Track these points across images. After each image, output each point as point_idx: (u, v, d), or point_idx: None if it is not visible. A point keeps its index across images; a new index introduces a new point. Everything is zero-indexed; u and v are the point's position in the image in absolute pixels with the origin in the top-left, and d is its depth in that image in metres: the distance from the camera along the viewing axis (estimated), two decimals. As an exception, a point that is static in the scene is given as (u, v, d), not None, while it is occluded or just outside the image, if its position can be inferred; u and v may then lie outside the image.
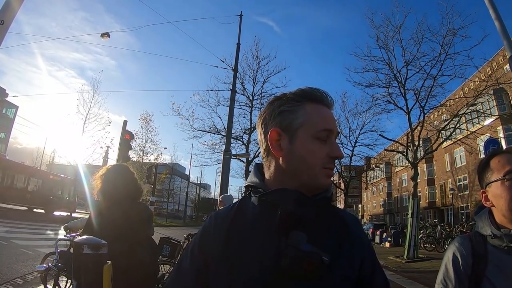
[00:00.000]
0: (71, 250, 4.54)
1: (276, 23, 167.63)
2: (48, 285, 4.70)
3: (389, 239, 25.38)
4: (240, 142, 21.32)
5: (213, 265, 0.91)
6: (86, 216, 5.01)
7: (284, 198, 0.89)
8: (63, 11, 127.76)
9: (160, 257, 5.68)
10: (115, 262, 1.39)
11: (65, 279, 4.43)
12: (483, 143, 9.60)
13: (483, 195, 1.37)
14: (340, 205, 37.00)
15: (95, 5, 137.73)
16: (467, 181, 32.16)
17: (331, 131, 0.95)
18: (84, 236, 1.31)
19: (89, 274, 1.23)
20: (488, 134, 17.91)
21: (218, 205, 6.71)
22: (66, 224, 4.87)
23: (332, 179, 1.06)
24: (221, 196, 6.66)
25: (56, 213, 25.17)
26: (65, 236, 4.71)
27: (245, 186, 1.05)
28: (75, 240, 1.28)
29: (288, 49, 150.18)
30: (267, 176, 1.00)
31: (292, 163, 0.93)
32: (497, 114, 23.66)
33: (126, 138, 10.63)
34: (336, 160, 0.99)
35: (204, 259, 0.93)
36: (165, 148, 68.17)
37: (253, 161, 19.89)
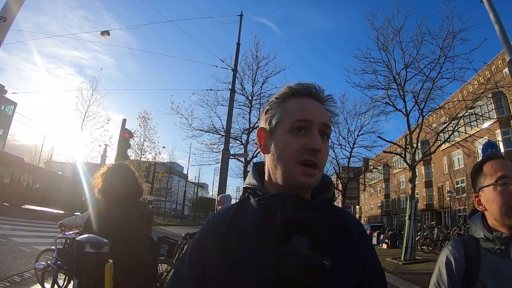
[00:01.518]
0: (67, 247, 4.55)
1: (275, 24, 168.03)
2: (45, 283, 4.69)
3: (386, 240, 25.40)
4: (238, 142, 21.29)
5: (212, 272, 0.88)
6: (81, 214, 5.03)
7: (283, 203, 0.86)
8: (62, 9, 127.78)
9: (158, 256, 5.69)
10: (116, 261, 1.40)
11: (63, 276, 4.43)
12: (481, 146, 9.60)
13: (476, 199, 1.40)
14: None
15: (94, 4, 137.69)
16: (465, 183, 32.22)
17: (308, 122, 0.89)
18: (86, 235, 1.31)
19: (91, 272, 1.23)
20: (486, 137, 17.93)
21: (216, 204, 6.70)
22: (61, 221, 4.86)
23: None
24: (219, 196, 6.64)
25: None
26: (62, 233, 4.70)
27: (243, 188, 1.02)
28: (77, 238, 1.28)
29: (287, 49, 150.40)
30: (265, 177, 0.98)
31: (274, 161, 0.91)
32: (495, 117, 23.74)
33: (125, 136, 10.62)
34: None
35: (202, 266, 0.91)
36: (164, 147, 67.78)
37: (252, 161, 19.90)
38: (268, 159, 0.94)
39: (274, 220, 0.86)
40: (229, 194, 7.22)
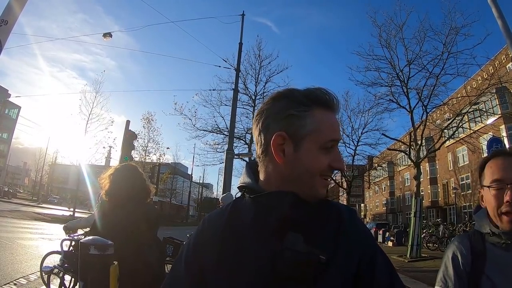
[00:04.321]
0: (72, 249, 4.56)
1: (274, 23, 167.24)
2: (52, 286, 4.71)
3: (391, 238, 25.37)
4: (242, 141, 21.35)
5: (209, 271, 0.89)
6: (86, 216, 5.05)
7: (280, 200, 0.87)
8: (63, 13, 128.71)
9: None
10: (122, 263, 1.40)
11: (69, 278, 4.44)
12: (486, 142, 9.57)
13: (480, 194, 1.42)
14: (343, 204, 36.85)
15: (94, 7, 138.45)
16: (470, 180, 32.08)
17: (337, 141, 0.92)
18: (91, 237, 1.31)
19: (96, 274, 1.23)
20: (491, 133, 17.85)
21: (220, 206, 6.67)
22: (66, 224, 4.87)
23: (334, 178, 1.04)
24: (220, 198, 6.62)
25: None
26: (68, 236, 4.72)
27: (238, 187, 1.01)
28: (81, 240, 1.28)
29: (288, 49, 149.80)
30: (261, 176, 0.96)
31: (294, 171, 0.89)
32: (499, 113, 23.59)
33: (129, 138, 10.65)
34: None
35: (199, 265, 0.91)
36: (168, 148, 67.78)
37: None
38: (282, 167, 0.90)
39: (269, 218, 0.87)
40: (229, 193, 7.16)
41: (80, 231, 4.81)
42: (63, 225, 4.90)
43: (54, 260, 5.06)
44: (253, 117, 1.02)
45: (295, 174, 0.89)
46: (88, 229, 3.90)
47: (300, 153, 0.89)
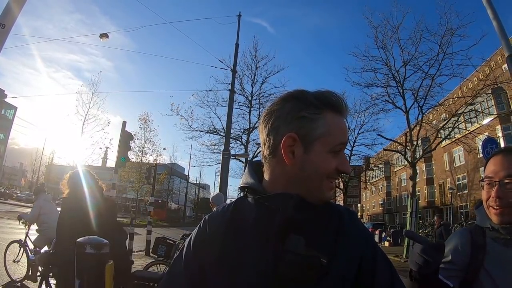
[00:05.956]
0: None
1: (270, 24, 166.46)
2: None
3: (388, 238, 25.46)
4: (239, 142, 21.32)
5: (210, 271, 0.89)
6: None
7: (284, 202, 0.87)
8: (59, 13, 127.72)
9: (156, 256, 5.72)
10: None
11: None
12: (481, 143, 9.61)
13: None
14: (340, 204, 37.01)
15: (90, 7, 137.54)
16: (466, 180, 32.13)
17: (345, 144, 0.93)
18: (87, 236, 1.33)
19: (92, 273, 1.25)
20: (486, 134, 17.92)
21: (211, 206, 6.65)
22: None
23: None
24: (211, 198, 6.42)
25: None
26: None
27: (239, 187, 1.00)
28: (78, 240, 1.30)
29: (284, 49, 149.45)
30: (266, 177, 0.96)
31: (302, 173, 0.89)
32: (495, 113, 23.65)
33: (126, 138, 10.61)
34: None
35: (199, 264, 0.91)
36: (164, 149, 67.57)
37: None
38: (290, 168, 0.90)
39: (272, 219, 0.87)
40: (220, 193, 7.08)
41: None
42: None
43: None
44: (249, 118, 1.03)
45: (303, 176, 0.89)
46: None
47: (310, 156, 0.89)
